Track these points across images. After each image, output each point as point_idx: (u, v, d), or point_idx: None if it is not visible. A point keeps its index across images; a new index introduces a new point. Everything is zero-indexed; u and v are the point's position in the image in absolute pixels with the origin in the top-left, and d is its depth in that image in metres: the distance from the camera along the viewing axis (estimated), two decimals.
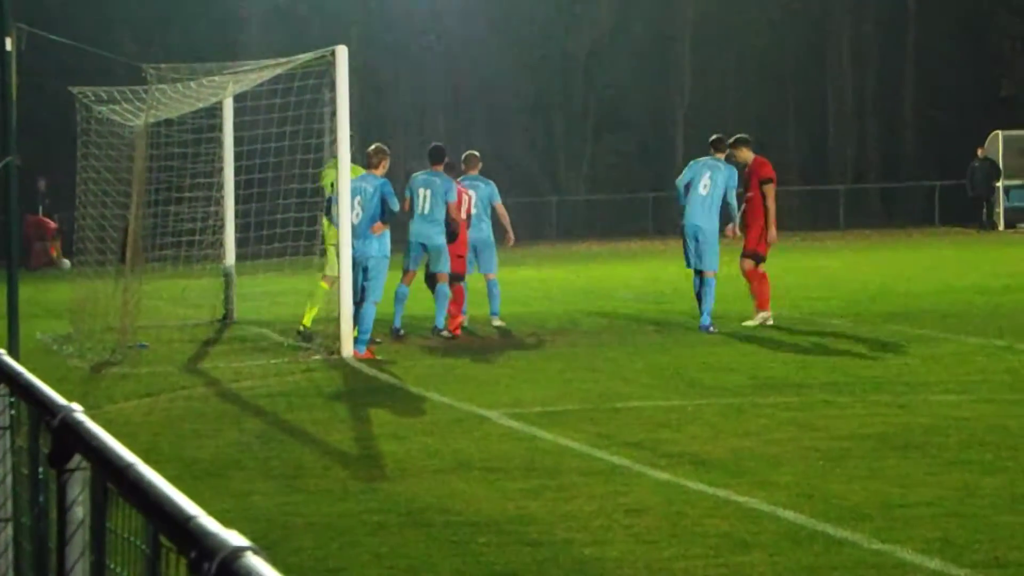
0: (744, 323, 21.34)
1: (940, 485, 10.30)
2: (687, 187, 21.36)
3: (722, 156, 21.57)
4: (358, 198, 19.20)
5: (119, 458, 3.53)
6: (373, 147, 19.94)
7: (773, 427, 12.91)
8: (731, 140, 22.01)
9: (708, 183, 21.11)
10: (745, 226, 21.73)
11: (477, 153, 23.07)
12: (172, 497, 3.12)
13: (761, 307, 21.44)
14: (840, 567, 8.29)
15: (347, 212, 19.07)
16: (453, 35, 63.06)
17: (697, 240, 21.19)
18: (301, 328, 20.90)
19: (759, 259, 21.60)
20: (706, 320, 20.94)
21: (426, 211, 20.72)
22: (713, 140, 21.90)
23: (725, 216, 21.61)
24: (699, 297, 21.24)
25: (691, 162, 21.74)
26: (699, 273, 21.32)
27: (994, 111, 58.28)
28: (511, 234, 22.64)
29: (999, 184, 51.32)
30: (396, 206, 19.56)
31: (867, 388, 15.15)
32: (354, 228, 19.08)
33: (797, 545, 8.76)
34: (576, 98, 65.17)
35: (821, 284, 29.51)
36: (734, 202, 21.44)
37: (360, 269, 19.18)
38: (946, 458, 11.30)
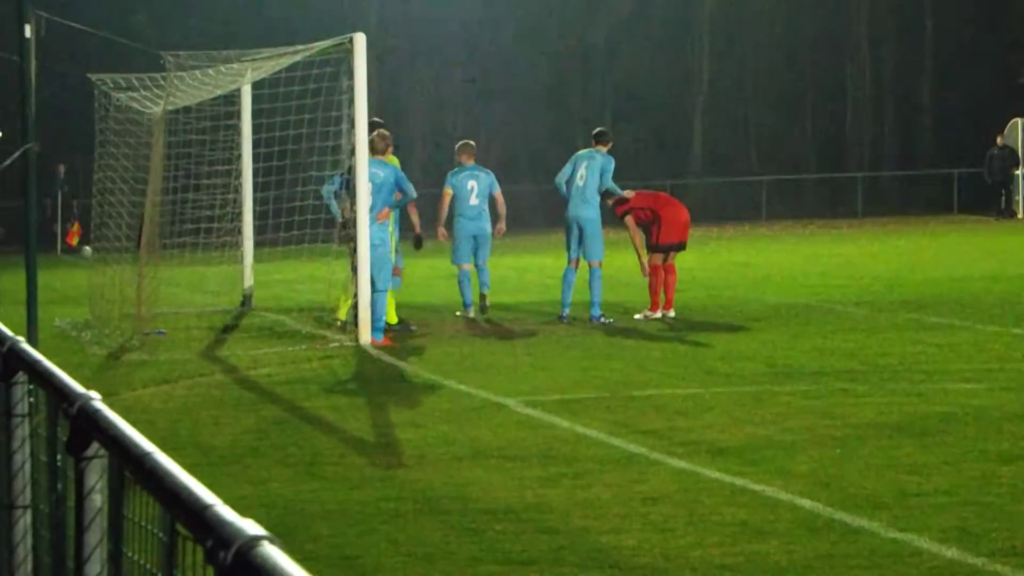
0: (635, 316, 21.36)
1: (957, 473, 10.29)
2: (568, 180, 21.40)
3: (604, 148, 21.50)
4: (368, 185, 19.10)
5: (136, 446, 3.54)
6: (376, 133, 19.73)
7: (790, 415, 12.90)
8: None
9: (584, 173, 21.10)
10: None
11: (472, 142, 22.84)
12: (189, 486, 3.13)
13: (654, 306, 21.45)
14: (856, 555, 8.29)
15: (365, 200, 19.04)
16: (472, 22, 63.03)
17: (581, 231, 21.14)
18: (338, 322, 20.64)
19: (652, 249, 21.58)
20: (596, 311, 20.96)
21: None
22: (596, 133, 21.95)
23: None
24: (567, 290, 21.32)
25: (572, 157, 21.67)
26: (572, 263, 21.28)
27: (1013, 98, 58.07)
28: (503, 224, 22.44)
29: (1017, 172, 51.17)
30: (414, 193, 19.56)
31: (884, 376, 15.13)
32: None
33: (813, 533, 8.76)
34: (594, 85, 65.13)
35: (838, 271, 29.47)
36: (613, 186, 21.27)
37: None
38: (963, 446, 11.29)
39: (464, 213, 21.98)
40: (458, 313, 22.17)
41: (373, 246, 19.03)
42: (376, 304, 18.95)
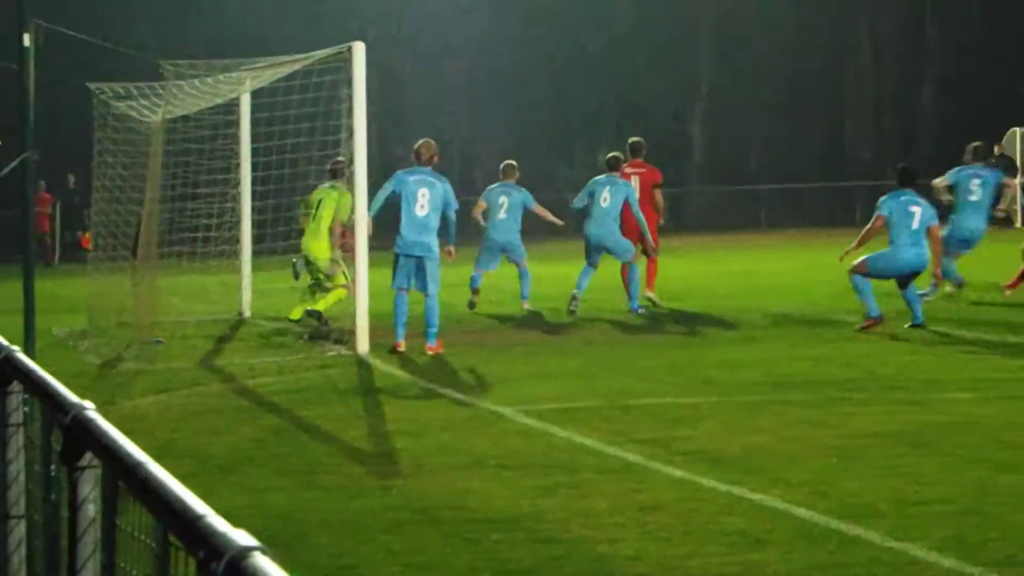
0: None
1: (955, 483, 10.28)
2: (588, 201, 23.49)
3: (617, 175, 23.39)
4: (424, 190, 18.96)
5: (129, 456, 3.54)
6: (423, 142, 19.55)
7: (788, 424, 12.90)
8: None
9: (608, 196, 23.00)
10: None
11: (514, 163, 24.94)
12: (181, 496, 3.12)
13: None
14: (854, 565, 8.28)
15: (364, 211, 19.06)
16: (472, 31, 63.07)
17: (605, 248, 23.03)
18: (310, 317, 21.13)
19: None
20: (634, 304, 22.92)
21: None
22: (609, 159, 23.83)
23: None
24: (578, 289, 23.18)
25: (589, 183, 23.60)
26: (592, 267, 23.32)
27: (1012, 108, 58.11)
28: (558, 221, 25.17)
29: (1016, 181, 51.17)
30: (456, 206, 19.41)
31: (882, 386, 15.13)
32: (420, 220, 18.89)
33: (811, 543, 8.75)
34: (594, 94, 65.14)
35: (837, 280, 29.41)
36: (640, 214, 23.14)
37: (413, 263, 18.94)
38: (962, 456, 11.28)
39: (493, 225, 24.03)
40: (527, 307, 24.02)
41: (433, 252, 18.96)
42: (431, 311, 18.78)
